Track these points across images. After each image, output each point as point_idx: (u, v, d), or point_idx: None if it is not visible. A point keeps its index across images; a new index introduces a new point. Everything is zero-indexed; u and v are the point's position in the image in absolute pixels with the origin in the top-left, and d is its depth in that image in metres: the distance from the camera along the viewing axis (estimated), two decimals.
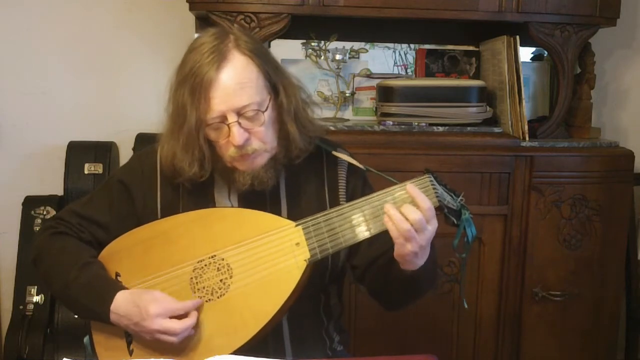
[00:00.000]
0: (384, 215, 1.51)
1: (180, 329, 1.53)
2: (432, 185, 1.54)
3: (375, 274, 1.70)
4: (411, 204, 1.49)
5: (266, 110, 1.58)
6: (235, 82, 1.54)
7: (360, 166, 1.71)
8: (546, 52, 2.92)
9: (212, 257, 1.58)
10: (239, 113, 1.55)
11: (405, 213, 1.47)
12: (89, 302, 1.61)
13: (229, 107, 1.54)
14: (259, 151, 1.59)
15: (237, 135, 1.55)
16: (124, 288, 1.61)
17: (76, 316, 2.44)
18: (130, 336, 1.63)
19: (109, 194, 1.75)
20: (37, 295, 2.78)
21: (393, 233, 1.49)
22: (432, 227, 1.50)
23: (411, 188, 1.51)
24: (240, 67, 1.56)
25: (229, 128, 1.55)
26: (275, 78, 1.62)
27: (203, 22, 2.68)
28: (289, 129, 1.63)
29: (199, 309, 1.57)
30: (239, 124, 1.55)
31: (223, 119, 1.55)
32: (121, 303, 1.57)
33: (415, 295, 1.68)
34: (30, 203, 2.88)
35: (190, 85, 1.55)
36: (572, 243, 2.64)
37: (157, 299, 1.55)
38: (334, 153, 1.73)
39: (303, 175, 1.72)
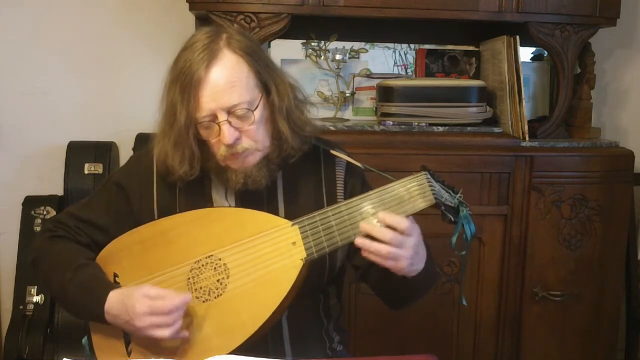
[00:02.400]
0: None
1: (170, 321, 1.51)
2: (428, 182, 1.54)
3: (377, 275, 1.69)
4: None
5: (256, 109, 1.58)
6: (225, 80, 1.55)
7: (358, 164, 1.70)
8: (546, 52, 2.91)
9: (209, 257, 1.58)
10: (229, 112, 1.55)
11: (378, 236, 1.47)
12: (85, 303, 1.61)
13: (219, 106, 1.54)
14: (250, 150, 1.59)
15: (227, 134, 1.55)
16: (116, 287, 1.61)
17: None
18: (129, 336, 1.62)
19: (106, 196, 1.75)
20: (37, 295, 2.78)
21: (378, 260, 1.48)
22: (414, 236, 1.50)
23: (382, 214, 1.49)
24: (230, 65, 1.56)
25: (219, 127, 1.56)
26: (266, 77, 1.62)
27: (203, 22, 2.68)
28: (281, 128, 1.63)
29: (195, 307, 1.56)
30: (229, 122, 1.55)
31: (213, 117, 1.56)
32: (113, 303, 1.56)
33: (417, 295, 1.68)
34: (30, 203, 2.88)
35: (181, 83, 1.56)
36: (572, 243, 2.64)
37: (145, 295, 1.53)
38: (332, 152, 1.72)
39: (300, 174, 1.72)
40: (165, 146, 1.62)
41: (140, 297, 1.53)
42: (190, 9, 2.59)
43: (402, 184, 1.55)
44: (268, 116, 1.62)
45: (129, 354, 1.62)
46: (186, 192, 1.69)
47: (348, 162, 1.72)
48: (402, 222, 1.48)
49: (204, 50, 1.56)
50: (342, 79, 2.88)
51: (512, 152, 2.59)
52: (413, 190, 1.53)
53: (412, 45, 2.98)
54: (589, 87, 2.85)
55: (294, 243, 1.55)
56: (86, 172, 2.85)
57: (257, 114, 1.58)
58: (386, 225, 1.48)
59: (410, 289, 1.62)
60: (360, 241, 1.49)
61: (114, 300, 1.57)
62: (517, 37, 2.63)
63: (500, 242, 2.62)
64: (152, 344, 1.57)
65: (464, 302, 1.72)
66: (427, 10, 2.59)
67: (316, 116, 1.78)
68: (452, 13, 2.61)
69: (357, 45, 2.92)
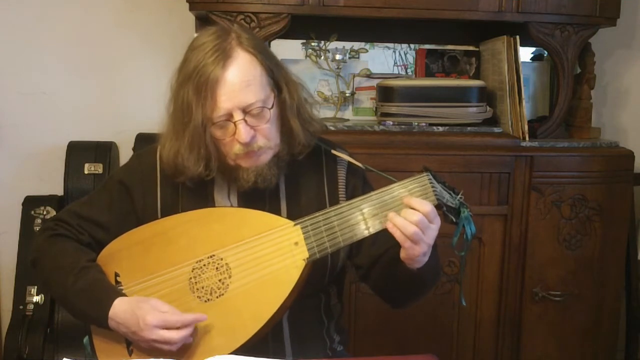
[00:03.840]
0: (383, 214, 1.52)
1: (178, 339, 1.51)
2: (430, 183, 1.55)
3: (380, 273, 1.70)
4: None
5: (272, 107, 1.59)
6: (240, 79, 1.55)
7: (360, 165, 1.71)
8: (546, 52, 2.91)
9: (211, 256, 1.58)
10: (245, 110, 1.56)
11: (407, 217, 1.48)
12: (87, 307, 1.60)
13: (235, 105, 1.55)
14: (264, 148, 1.60)
15: (244, 132, 1.55)
16: (122, 294, 1.60)
17: None
18: None
19: (108, 194, 1.75)
20: (37, 295, 2.78)
21: (400, 238, 1.49)
22: (436, 225, 1.51)
23: (407, 199, 1.51)
24: (244, 64, 1.57)
25: (235, 126, 1.56)
26: (277, 75, 1.63)
27: (203, 22, 2.68)
28: (292, 125, 1.64)
29: (196, 308, 1.56)
30: (245, 121, 1.56)
31: (229, 116, 1.56)
32: (119, 311, 1.56)
33: (421, 291, 1.68)
34: (30, 203, 2.88)
35: (195, 83, 1.55)
36: (572, 243, 2.64)
37: (155, 308, 1.54)
38: (334, 152, 1.73)
39: (303, 174, 1.72)
40: (178, 146, 1.62)
41: (151, 309, 1.53)
42: (190, 9, 2.59)
43: (404, 184, 1.55)
44: (279, 114, 1.63)
45: (130, 353, 1.62)
46: (188, 192, 1.68)
47: (349, 162, 1.73)
48: (426, 205, 1.49)
49: (216, 50, 1.56)
50: (342, 79, 2.88)
51: (512, 152, 2.59)
52: (415, 191, 1.54)
53: (412, 45, 2.98)
54: (589, 87, 2.85)
55: (296, 243, 1.55)
56: (86, 172, 2.85)
57: (272, 112, 1.59)
58: (409, 206, 1.50)
59: (415, 284, 1.62)
60: (391, 215, 1.50)
61: (120, 309, 1.56)
62: (517, 37, 2.63)
63: (500, 242, 2.63)
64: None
65: (464, 303, 1.72)
66: (427, 10, 2.59)
67: (317, 115, 1.78)
68: (452, 13, 2.61)
69: (357, 45, 2.92)
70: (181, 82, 1.59)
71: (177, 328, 1.52)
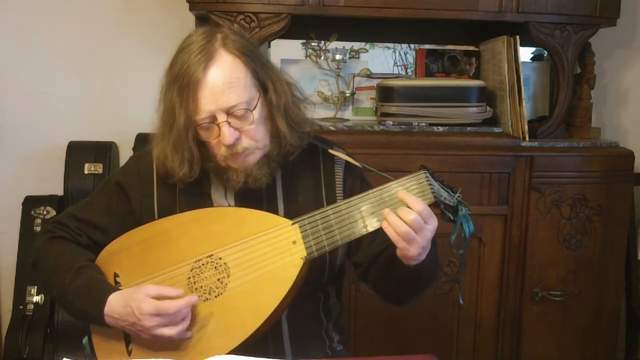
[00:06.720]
0: (380, 212, 1.52)
1: (176, 333, 1.52)
2: (427, 181, 1.54)
3: (379, 271, 1.70)
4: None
5: (254, 108, 1.58)
6: (223, 81, 1.55)
7: (357, 164, 1.71)
8: (546, 52, 2.91)
9: (209, 256, 1.58)
10: (228, 112, 1.55)
11: (402, 215, 1.48)
12: (84, 306, 1.61)
13: (218, 107, 1.55)
14: (250, 149, 1.60)
15: (227, 134, 1.55)
16: (116, 289, 1.61)
17: None
18: (129, 336, 1.62)
19: (106, 197, 1.75)
20: (37, 295, 2.78)
21: (393, 238, 1.49)
22: (431, 225, 1.50)
23: (402, 193, 1.51)
24: (227, 66, 1.56)
25: (219, 128, 1.56)
26: (263, 75, 1.62)
27: (203, 22, 2.68)
28: (279, 126, 1.63)
29: (196, 307, 1.56)
30: (229, 123, 1.56)
31: (212, 119, 1.56)
32: (114, 305, 1.56)
33: (420, 288, 1.68)
34: (30, 203, 2.88)
35: (179, 85, 1.56)
36: (572, 243, 2.64)
37: (148, 295, 1.54)
38: (331, 151, 1.73)
39: (299, 173, 1.72)
40: (164, 148, 1.62)
41: (144, 297, 1.53)
42: (190, 9, 2.59)
43: (401, 183, 1.55)
44: (266, 114, 1.63)
45: (129, 353, 1.62)
46: (186, 193, 1.69)
47: (347, 161, 1.73)
48: (418, 204, 1.49)
49: (201, 51, 1.56)
50: (342, 79, 2.88)
51: (512, 152, 2.59)
52: (412, 189, 1.54)
53: (412, 45, 2.98)
54: (589, 87, 2.85)
55: (294, 242, 1.55)
56: (86, 172, 2.85)
57: (256, 113, 1.59)
58: (402, 200, 1.50)
59: (413, 282, 1.62)
60: (386, 211, 1.50)
61: (115, 303, 1.56)
62: (517, 37, 2.63)
63: (500, 242, 2.62)
64: (153, 344, 1.57)
65: (461, 302, 1.72)
66: (427, 10, 2.59)
67: (316, 116, 1.78)
68: (452, 13, 2.61)
69: (357, 45, 2.92)
70: (168, 84, 1.60)
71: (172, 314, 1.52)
